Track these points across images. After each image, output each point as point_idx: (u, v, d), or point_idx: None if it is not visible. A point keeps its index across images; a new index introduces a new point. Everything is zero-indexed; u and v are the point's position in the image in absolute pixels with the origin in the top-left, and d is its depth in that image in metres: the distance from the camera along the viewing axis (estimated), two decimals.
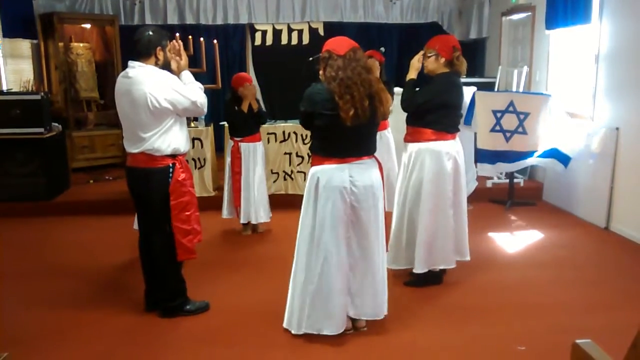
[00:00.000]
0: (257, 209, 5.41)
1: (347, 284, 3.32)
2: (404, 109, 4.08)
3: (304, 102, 3.26)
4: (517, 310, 3.83)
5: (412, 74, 4.10)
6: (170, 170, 3.53)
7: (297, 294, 3.40)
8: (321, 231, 3.25)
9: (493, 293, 4.12)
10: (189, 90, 3.54)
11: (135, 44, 3.52)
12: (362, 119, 3.14)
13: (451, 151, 4.03)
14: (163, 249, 3.61)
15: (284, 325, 3.49)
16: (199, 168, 6.47)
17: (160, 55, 3.54)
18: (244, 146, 5.32)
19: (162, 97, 3.41)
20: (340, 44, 3.25)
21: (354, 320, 3.46)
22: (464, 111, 6.25)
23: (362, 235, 3.30)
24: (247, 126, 5.32)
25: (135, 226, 4.74)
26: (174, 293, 3.73)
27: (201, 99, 3.58)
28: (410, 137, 4.12)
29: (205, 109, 3.65)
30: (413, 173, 4.06)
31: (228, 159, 5.45)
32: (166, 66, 3.60)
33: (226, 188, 5.52)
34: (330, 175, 3.22)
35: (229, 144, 5.50)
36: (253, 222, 5.47)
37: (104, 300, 4.04)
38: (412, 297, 4.01)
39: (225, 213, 5.55)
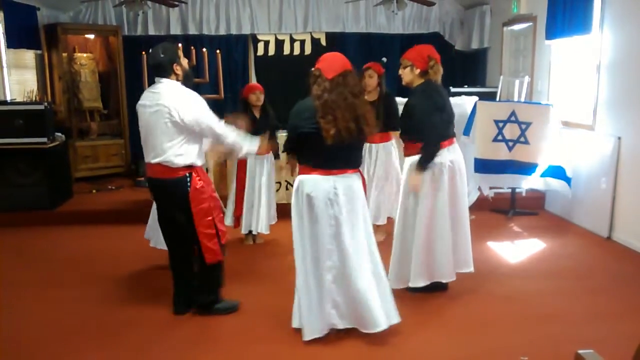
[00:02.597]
0: (259, 219, 5.38)
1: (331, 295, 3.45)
2: (428, 140, 3.90)
3: (292, 116, 3.44)
4: (519, 320, 3.82)
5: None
6: (188, 180, 3.65)
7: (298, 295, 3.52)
8: (308, 239, 3.41)
9: (495, 303, 4.11)
10: (216, 122, 3.68)
11: (154, 69, 3.70)
12: (346, 138, 3.29)
13: (444, 161, 3.96)
14: (191, 253, 3.80)
15: (293, 325, 3.56)
16: None
17: (178, 70, 3.70)
18: (251, 157, 5.18)
19: (190, 115, 3.56)
20: (331, 66, 3.37)
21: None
22: (463, 121, 6.31)
23: (344, 246, 3.39)
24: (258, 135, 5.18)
25: (147, 235, 4.78)
26: (205, 291, 3.91)
27: (224, 133, 3.72)
28: (407, 152, 4.10)
29: (223, 141, 3.78)
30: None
31: (235, 169, 5.39)
32: (186, 74, 3.77)
33: (230, 197, 5.50)
34: (315, 184, 3.37)
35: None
36: (254, 232, 5.46)
37: (110, 308, 4.05)
38: (414, 308, 4.00)
39: (228, 221, 5.43)
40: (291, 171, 3.84)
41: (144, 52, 6.43)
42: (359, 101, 3.39)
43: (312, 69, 3.43)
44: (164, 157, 3.62)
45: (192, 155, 3.67)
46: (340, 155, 3.38)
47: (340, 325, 3.48)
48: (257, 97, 5.24)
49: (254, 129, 5.04)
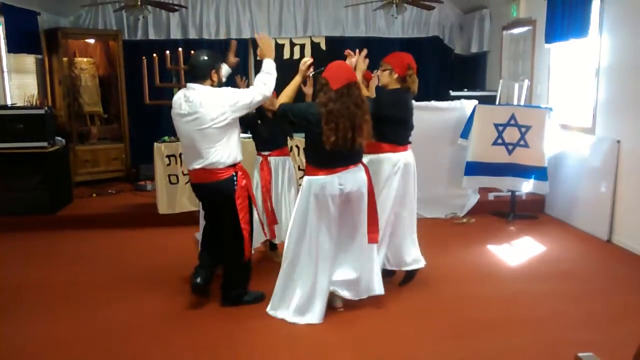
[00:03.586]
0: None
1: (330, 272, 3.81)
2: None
3: (295, 114, 3.67)
4: (518, 323, 3.82)
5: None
6: (235, 178, 3.84)
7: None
8: (314, 232, 3.72)
9: (494, 306, 4.11)
10: (247, 93, 3.85)
11: (192, 69, 3.83)
12: (342, 147, 3.56)
13: (399, 163, 4.13)
14: (234, 248, 3.91)
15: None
16: None
17: (215, 77, 3.85)
18: (273, 161, 4.87)
19: (228, 112, 3.73)
20: (337, 77, 3.59)
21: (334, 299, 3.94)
22: (459, 125, 6.33)
23: (349, 226, 3.81)
24: (275, 139, 4.89)
25: (198, 236, 4.75)
26: (237, 284, 4.07)
27: (258, 97, 3.87)
28: (367, 150, 4.06)
29: (269, 94, 3.94)
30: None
31: (256, 176, 4.88)
32: (220, 84, 3.93)
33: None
34: (323, 184, 3.65)
35: (256, 160, 4.96)
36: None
37: (111, 313, 4.06)
38: (410, 311, 4.01)
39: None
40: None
41: (144, 57, 6.44)
42: (360, 111, 3.58)
43: (320, 75, 3.67)
44: (210, 161, 3.76)
45: (234, 151, 3.84)
46: (340, 156, 3.65)
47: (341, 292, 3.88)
48: (271, 102, 5.16)
49: (267, 134, 4.94)
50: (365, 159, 4.05)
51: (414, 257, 4.34)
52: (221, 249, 4.03)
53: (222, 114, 3.70)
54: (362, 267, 3.88)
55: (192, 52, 6.51)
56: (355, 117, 3.55)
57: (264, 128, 4.87)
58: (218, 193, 3.86)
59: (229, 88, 3.92)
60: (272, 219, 4.80)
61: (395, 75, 4.14)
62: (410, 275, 4.39)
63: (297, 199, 3.87)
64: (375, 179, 4.02)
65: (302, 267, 3.80)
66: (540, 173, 6.10)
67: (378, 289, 3.94)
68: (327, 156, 3.62)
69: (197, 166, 3.82)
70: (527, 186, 6.28)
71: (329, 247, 3.76)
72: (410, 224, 4.34)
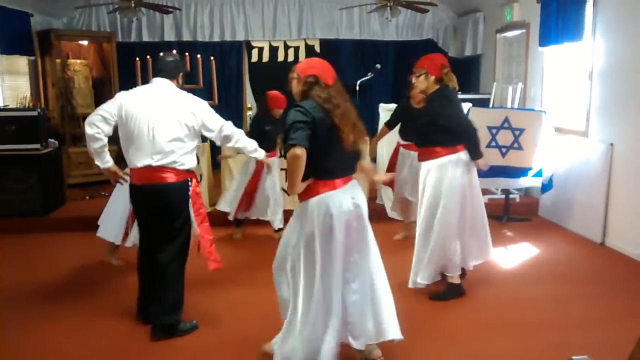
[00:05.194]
0: (275, 211, 5.64)
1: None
2: (472, 134, 4.14)
3: (299, 113, 2.92)
4: (513, 326, 3.83)
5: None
6: (189, 183, 3.62)
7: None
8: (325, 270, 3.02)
9: (489, 309, 4.12)
10: (219, 120, 3.73)
11: (164, 65, 3.69)
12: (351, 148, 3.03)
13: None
14: (173, 262, 3.62)
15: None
16: None
17: (180, 81, 3.77)
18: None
19: (208, 120, 3.63)
20: (327, 72, 3.06)
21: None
22: None
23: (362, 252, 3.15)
24: (273, 143, 5.43)
25: (129, 243, 4.73)
26: (174, 307, 3.67)
27: (228, 130, 3.75)
28: (423, 156, 4.22)
29: (239, 144, 3.86)
30: (429, 189, 4.12)
31: (252, 167, 5.52)
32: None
33: (234, 188, 5.72)
34: (339, 201, 3.01)
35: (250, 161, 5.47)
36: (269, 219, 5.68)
37: (102, 317, 4.03)
38: (407, 315, 3.99)
39: (224, 206, 5.79)
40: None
41: (137, 59, 6.43)
42: (354, 109, 3.14)
43: (295, 74, 3.10)
44: (173, 159, 3.50)
45: (194, 158, 3.68)
46: (348, 160, 3.11)
47: (354, 344, 3.14)
48: (279, 112, 5.44)
49: (271, 139, 5.31)
50: (444, 159, 4.07)
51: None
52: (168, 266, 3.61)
53: (197, 117, 3.57)
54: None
55: (187, 54, 6.56)
56: (353, 113, 3.06)
57: (268, 133, 5.33)
58: (171, 198, 3.54)
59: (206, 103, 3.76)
60: (247, 206, 5.63)
61: (432, 78, 4.10)
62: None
63: (287, 237, 3.16)
64: (453, 181, 4.05)
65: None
66: (536, 173, 6.14)
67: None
68: (338, 162, 3.03)
69: (153, 163, 3.47)
70: (522, 182, 6.30)
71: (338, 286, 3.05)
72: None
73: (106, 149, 3.61)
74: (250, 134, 5.18)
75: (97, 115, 3.52)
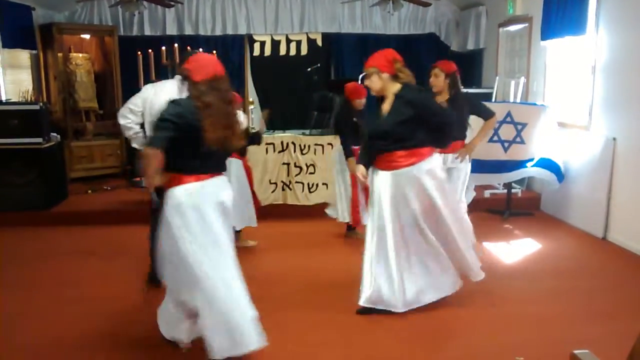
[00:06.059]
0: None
1: None
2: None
3: (173, 106, 3.00)
4: (514, 320, 3.83)
5: None
6: None
7: None
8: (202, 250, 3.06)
9: (490, 303, 4.11)
10: None
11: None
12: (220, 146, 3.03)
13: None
14: None
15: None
16: None
17: None
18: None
19: None
20: (200, 69, 3.01)
21: None
22: None
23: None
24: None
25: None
26: None
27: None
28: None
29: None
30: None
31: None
32: None
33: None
34: (202, 192, 3.09)
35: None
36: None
37: (103, 311, 4.04)
38: (408, 315, 4.00)
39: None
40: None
41: (139, 52, 6.42)
42: (231, 109, 3.08)
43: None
44: None
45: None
46: (215, 158, 3.12)
47: None
48: (361, 103, 5.28)
49: (358, 127, 5.08)
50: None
51: None
52: None
53: None
54: None
55: (188, 48, 6.55)
56: (228, 115, 3.03)
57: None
58: None
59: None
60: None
61: (386, 75, 3.66)
62: None
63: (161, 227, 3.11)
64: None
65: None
66: (549, 165, 6.18)
67: None
68: (203, 159, 3.05)
69: None
70: (525, 172, 6.30)
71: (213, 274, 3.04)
72: None
73: (140, 134, 4.16)
74: (340, 132, 5.24)
75: (125, 107, 4.16)
